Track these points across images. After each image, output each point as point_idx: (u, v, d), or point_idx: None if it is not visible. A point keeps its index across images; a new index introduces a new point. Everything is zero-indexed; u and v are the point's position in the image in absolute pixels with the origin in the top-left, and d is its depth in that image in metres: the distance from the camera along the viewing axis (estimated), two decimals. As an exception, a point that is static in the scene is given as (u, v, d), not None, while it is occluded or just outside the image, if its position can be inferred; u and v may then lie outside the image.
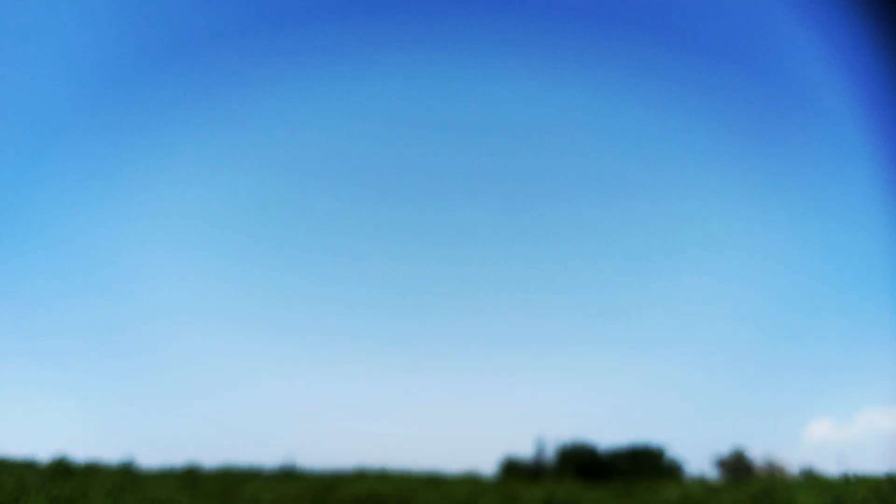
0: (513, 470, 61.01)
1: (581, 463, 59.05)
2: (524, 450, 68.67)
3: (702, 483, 44.82)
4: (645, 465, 61.28)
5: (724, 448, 77.56)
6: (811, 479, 42.80)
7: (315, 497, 32.54)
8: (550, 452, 65.36)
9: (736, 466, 74.46)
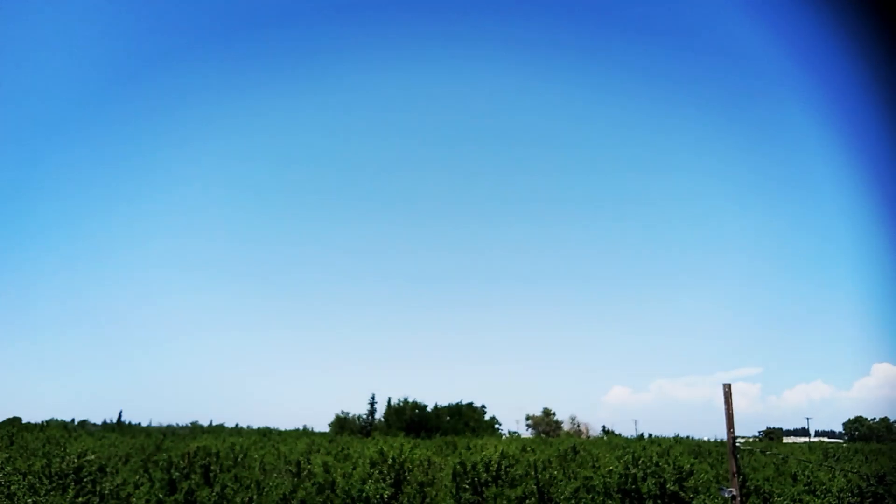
0: (345, 427, 62.33)
1: (409, 420, 61.52)
2: (358, 409, 70.88)
3: (516, 439, 48.64)
4: (468, 422, 64.98)
5: (536, 409, 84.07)
6: (610, 438, 47.94)
7: (144, 452, 31.81)
8: (381, 411, 67.54)
9: (545, 425, 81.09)
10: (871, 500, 15.37)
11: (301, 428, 64.00)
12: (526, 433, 79.36)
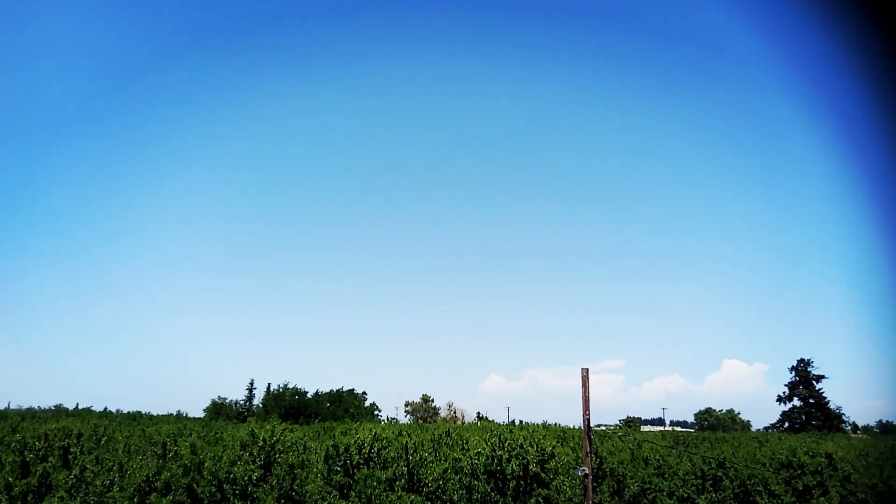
0: (221, 412, 60.46)
1: (289, 406, 60.55)
2: (236, 395, 68.90)
3: (393, 424, 49.04)
4: (347, 408, 64.68)
5: (417, 396, 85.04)
6: (483, 423, 49.24)
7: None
8: (260, 396, 66.03)
9: (424, 411, 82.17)
10: (711, 481, 16.75)
11: (174, 413, 61.71)
12: (405, 419, 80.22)
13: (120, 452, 22.89)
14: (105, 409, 62.87)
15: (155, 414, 58.23)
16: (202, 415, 64.73)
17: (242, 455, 18.05)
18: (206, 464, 17.00)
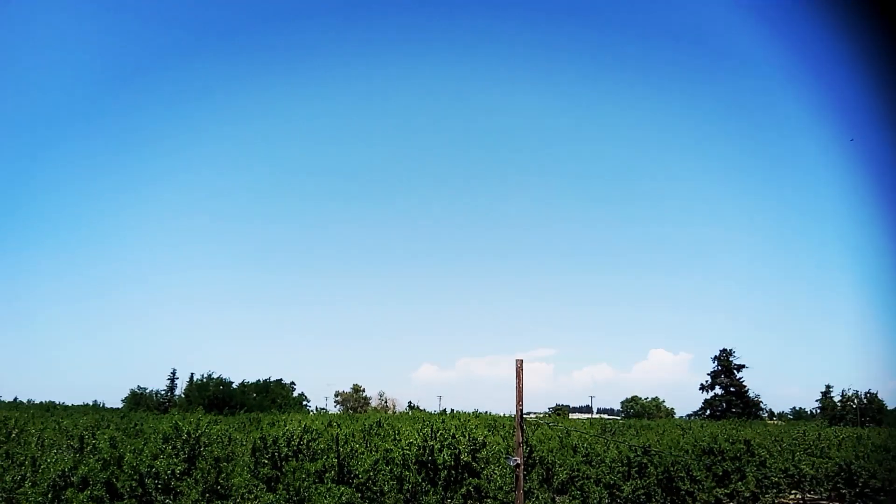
0: (141, 403, 58.34)
1: (213, 396, 59.02)
2: (156, 384, 66.48)
3: (323, 415, 48.54)
4: (275, 398, 63.57)
5: (347, 386, 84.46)
6: (415, 413, 49.33)
7: None
8: (183, 387, 64.04)
9: (354, 401, 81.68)
10: (636, 468, 17.17)
11: (91, 403, 59.25)
12: (335, 409, 79.55)
13: (33, 446, 21.76)
14: (15, 399, 59.90)
15: (70, 404, 55.83)
16: (121, 405, 62.43)
17: (165, 448, 17.45)
18: (127, 457, 16.35)
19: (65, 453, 20.44)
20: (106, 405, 59.18)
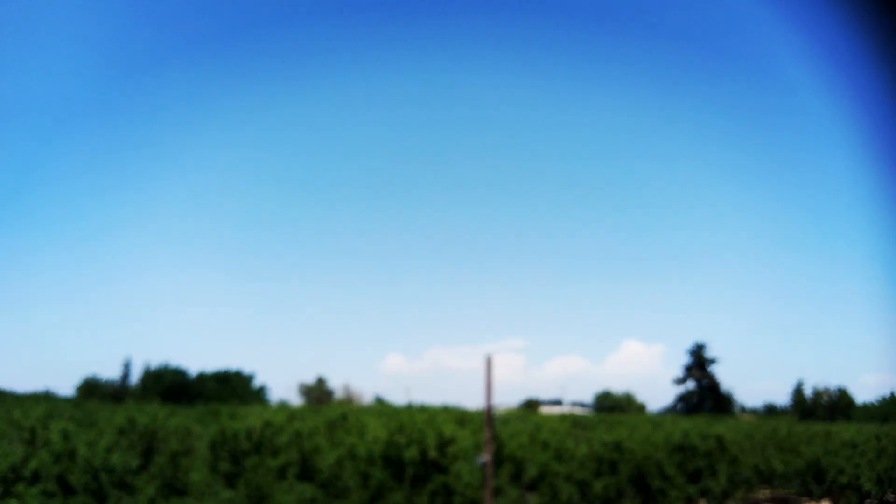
0: (95, 392, 56.67)
1: (169, 386, 57.63)
2: (111, 373, 64.54)
3: (284, 407, 47.74)
4: (234, 390, 62.40)
5: (311, 377, 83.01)
6: (381, 406, 48.75)
7: None
8: (137, 376, 62.38)
9: (318, 394, 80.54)
10: (608, 465, 16.94)
11: (43, 391, 57.43)
12: (297, 402, 78.53)
13: (-20, 438, 20.82)
14: (-38, 388, 57.85)
15: (20, 392, 53.96)
16: (73, 394, 60.67)
17: (120, 441, 16.82)
18: (80, 450, 15.67)
19: (15, 446, 19.57)
20: (58, 394, 57.43)
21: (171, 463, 15.15)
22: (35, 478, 14.49)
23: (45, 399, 49.62)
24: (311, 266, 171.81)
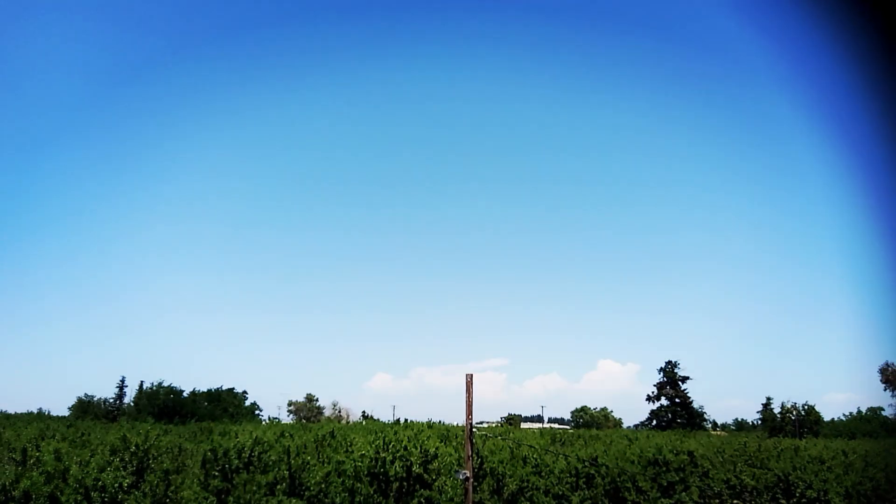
0: (89, 411, 56.73)
1: (163, 405, 57.77)
2: (104, 392, 64.79)
3: (275, 425, 48.01)
4: (226, 408, 62.58)
5: (300, 395, 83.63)
6: (368, 423, 49.15)
7: None
8: (132, 395, 62.55)
9: (307, 411, 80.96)
10: (584, 479, 17.54)
11: (35, 411, 57.41)
12: (287, 419, 78.61)
13: (-28, 459, 21.13)
14: (-46, 408, 57.70)
15: (13, 412, 53.99)
16: (67, 413, 60.72)
17: (112, 461, 17.19)
18: (72, 470, 16.07)
19: (6, 466, 19.89)
20: (52, 413, 57.47)
21: (163, 481, 15.58)
22: (26, 498, 14.88)
23: (38, 418, 49.76)
24: (304, 286, 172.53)
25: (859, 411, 71.56)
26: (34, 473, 16.07)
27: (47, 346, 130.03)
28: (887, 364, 53.46)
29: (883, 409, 66.91)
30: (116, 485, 15.31)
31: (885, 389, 53.50)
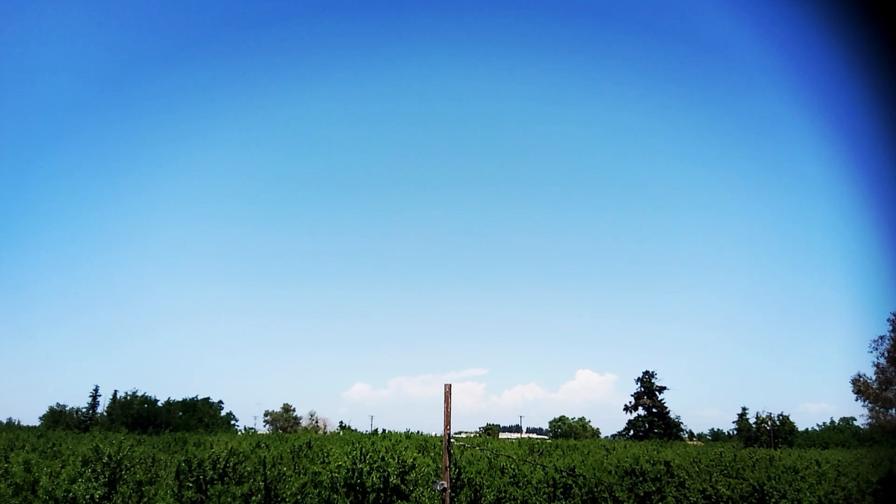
0: (60, 421, 55.72)
1: (137, 415, 56.91)
2: (77, 401, 63.70)
3: (251, 435, 47.53)
4: (202, 418, 61.78)
5: (277, 405, 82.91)
6: (345, 434, 48.81)
7: None
8: (105, 405, 61.58)
9: (284, 421, 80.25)
10: (562, 489, 17.56)
11: (4, 421, 56.35)
12: (263, 429, 77.89)
13: (-61, 470, 20.67)
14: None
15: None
16: (38, 423, 59.66)
17: (84, 472, 16.89)
18: (42, 481, 15.77)
19: (-26, 477, 19.47)
20: (22, 423, 56.40)
21: (136, 492, 15.37)
22: (-7, 511, 14.58)
23: (8, 429, 48.78)
24: (282, 294, 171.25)
25: (832, 421, 72.64)
26: (2, 485, 15.76)
27: (18, 354, 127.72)
28: (859, 375, 54.52)
29: (855, 420, 67.94)
30: (88, 496, 15.06)
31: (857, 400, 54.53)
